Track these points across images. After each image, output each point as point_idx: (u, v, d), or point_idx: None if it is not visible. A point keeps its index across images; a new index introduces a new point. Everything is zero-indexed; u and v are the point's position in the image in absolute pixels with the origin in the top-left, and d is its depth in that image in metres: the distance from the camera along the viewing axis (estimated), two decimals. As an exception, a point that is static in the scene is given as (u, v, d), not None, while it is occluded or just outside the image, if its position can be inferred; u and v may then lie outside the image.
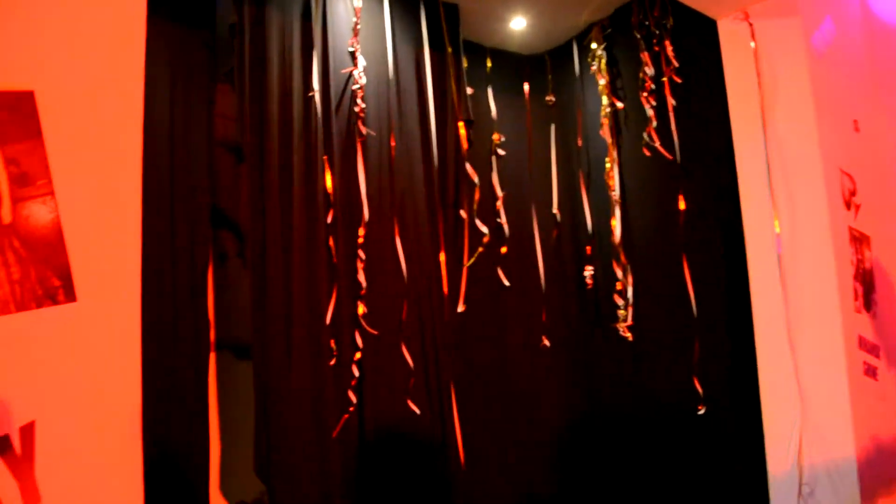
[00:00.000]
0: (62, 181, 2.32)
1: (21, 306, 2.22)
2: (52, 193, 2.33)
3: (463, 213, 3.84)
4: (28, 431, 2.22)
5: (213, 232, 3.41)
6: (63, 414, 2.27)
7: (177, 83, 3.28)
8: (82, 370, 2.32)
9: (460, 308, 3.71)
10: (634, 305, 3.90)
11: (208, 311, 3.29)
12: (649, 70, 3.88)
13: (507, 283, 4.00)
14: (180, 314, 3.10)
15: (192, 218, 3.22)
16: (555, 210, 4.34)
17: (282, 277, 3.23)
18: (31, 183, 2.30)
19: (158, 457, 2.79)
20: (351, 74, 3.51)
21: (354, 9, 3.59)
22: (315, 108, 3.37)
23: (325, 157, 3.35)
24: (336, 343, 3.25)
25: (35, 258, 2.27)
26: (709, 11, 3.66)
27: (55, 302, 2.29)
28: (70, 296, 2.32)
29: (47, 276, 2.28)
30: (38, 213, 2.30)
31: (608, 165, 4.07)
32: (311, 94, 3.38)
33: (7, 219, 2.26)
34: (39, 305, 2.26)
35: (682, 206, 3.69)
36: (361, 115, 3.48)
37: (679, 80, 3.79)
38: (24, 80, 2.28)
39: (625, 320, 3.88)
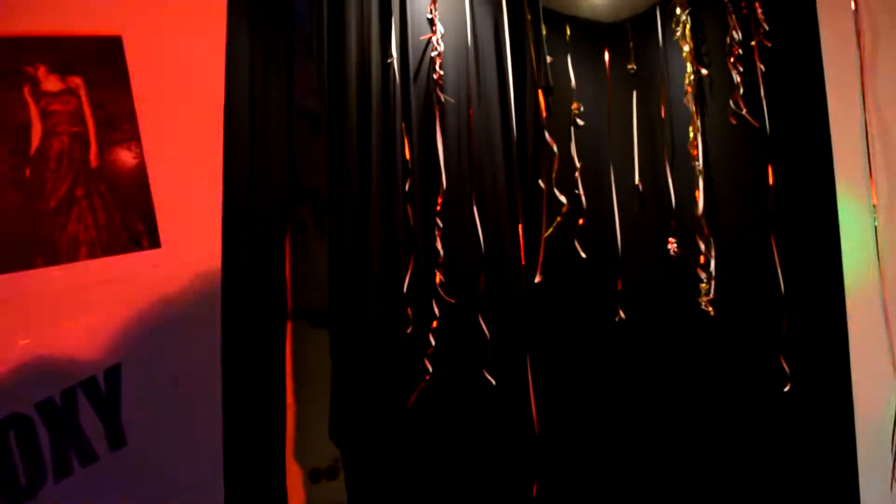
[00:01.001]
0: (148, 127, 2.35)
1: (107, 250, 2.27)
2: (138, 139, 2.37)
3: (541, 183, 3.77)
4: (114, 374, 2.27)
5: (291, 201, 3.44)
6: (148, 359, 2.31)
7: (256, 50, 3.30)
8: (166, 316, 2.36)
9: (537, 279, 3.66)
10: (717, 279, 3.78)
11: (286, 279, 3.33)
12: (737, 35, 3.71)
13: (584, 255, 3.92)
14: (258, 281, 3.14)
15: (271, 186, 3.25)
16: (637, 182, 4.22)
17: (359, 246, 3.25)
18: (117, 127, 2.35)
19: (235, 419, 2.84)
20: (430, 41, 3.47)
21: (433, -25, 3.54)
22: (394, 75, 3.36)
23: (403, 125, 3.34)
24: (413, 312, 3.26)
25: (121, 203, 2.31)
26: (803, -31, 3.48)
27: (140, 247, 2.34)
28: (154, 241, 2.36)
29: (132, 221, 2.32)
30: (124, 157, 2.34)
31: (692, 135, 3.93)
32: (389, 60, 3.36)
33: (94, 163, 2.31)
34: (124, 250, 2.31)
35: (770, 177, 3.54)
36: (440, 82, 3.45)
37: (769, 45, 3.61)
38: (112, 26, 2.31)
39: (707, 294, 3.76)
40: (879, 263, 3.22)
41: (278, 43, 3.41)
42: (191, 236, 2.46)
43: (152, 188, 2.38)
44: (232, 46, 3.13)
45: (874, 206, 3.26)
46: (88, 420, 2.23)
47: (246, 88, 3.21)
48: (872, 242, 3.25)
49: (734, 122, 3.68)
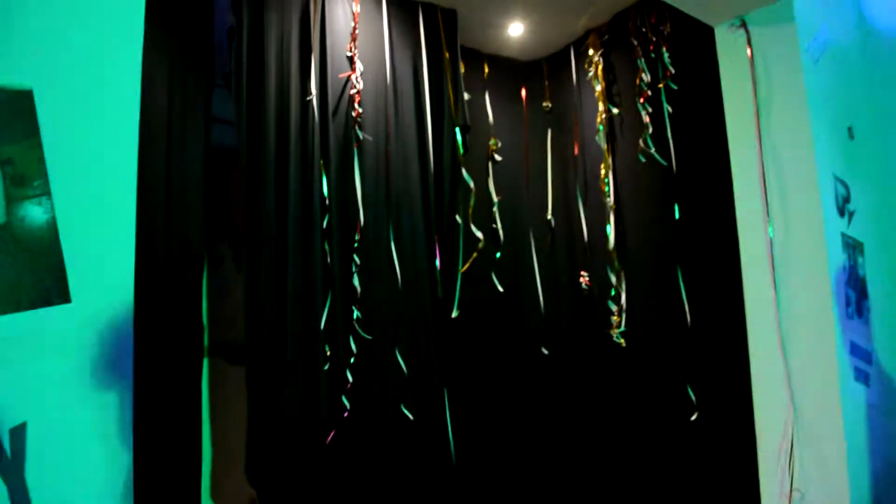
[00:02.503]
0: (59, 182, 2.33)
1: (16, 306, 2.22)
2: (48, 194, 2.33)
3: (458, 218, 3.85)
4: (19, 433, 2.22)
5: (208, 236, 3.42)
6: (56, 415, 2.27)
7: (174, 86, 3.30)
8: (75, 371, 2.32)
9: (454, 313, 3.73)
10: (628, 312, 3.92)
11: (202, 316, 3.30)
12: (646, 76, 3.90)
13: (500, 288, 4.01)
14: (174, 318, 3.11)
15: (188, 222, 3.23)
16: (549, 216, 4.35)
17: (276, 282, 3.25)
18: (27, 183, 2.31)
19: (149, 461, 2.80)
20: (349, 79, 3.53)
21: (353, 14, 3.61)
22: (313, 112, 3.39)
23: (321, 162, 3.38)
24: (330, 348, 3.27)
25: (30, 259, 2.27)
26: (706, 18, 3.67)
27: (50, 302, 2.30)
28: (64, 296, 2.33)
29: (42, 277, 2.28)
30: (34, 213, 2.30)
31: (603, 172, 4.08)
32: (308, 98, 3.40)
33: (2, 219, 2.27)
34: (34, 306, 2.27)
35: (676, 212, 3.71)
36: (359, 119, 3.50)
37: (675, 87, 3.80)
38: (23, 79, 2.29)
39: (618, 326, 3.90)
40: (776, 293, 3.40)
41: (198, 79, 3.41)
42: (102, 287, 2.43)
43: (63, 242, 2.34)
44: (150, 84, 3.13)
45: (771, 239, 3.45)
46: None
47: (164, 126, 3.20)
48: (770, 274, 3.44)
49: (643, 160, 3.85)
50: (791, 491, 3.26)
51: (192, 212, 3.27)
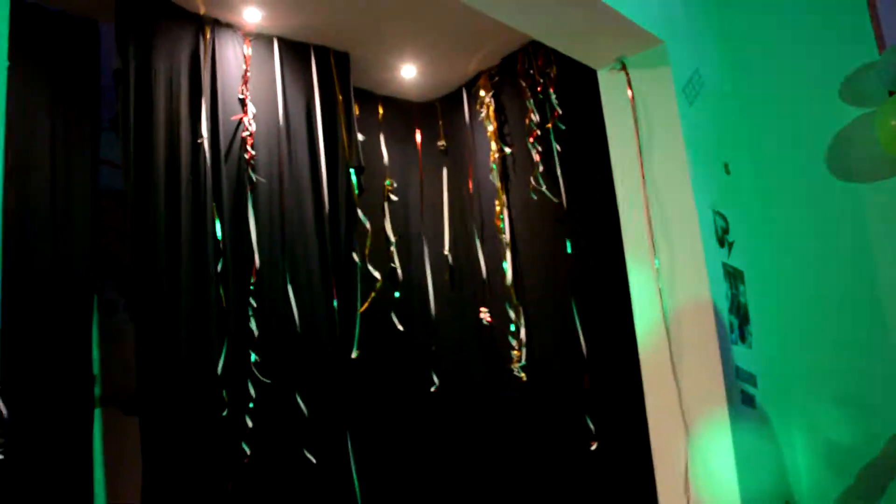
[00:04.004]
0: None
1: None
2: None
3: (355, 258, 3.85)
4: None
5: (97, 282, 3.31)
6: None
7: (57, 131, 3.20)
8: None
9: (354, 354, 3.71)
10: (528, 346, 3.99)
11: (91, 364, 3.17)
12: (535, 117, 4.03)
13: (400, 327, 4.02)
14: (59, 368, 2.98)
15: (74, 266, 3.12)
16: (446, 252, 4.39)
17: (170, 328, 3.16)
18: None
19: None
20: (241, 121, 3.51)
21: (244, 56, 3.60)
22: (204, 155, 3.35)
23: (214, 205, 3.32)
24: (228, 393, 3.19)
25: None
26: (589, 61, 3.83)
27: None
28: None
29: None
30: None
31: (498, 209, 4.18)
32: (199, 140, 3.35)
33: None
34: None
35: (569, 247, 3.82)
36: (251, 162, 3.48)
37: (563, 127, 3.94)
38: None
39: (518, 360, 3.95)
40: (665, 321, 3.54)
41: (82, 121, 3.31)
42: None
43: None
44: (31, 124, 3.02)
45: (657, 270, 3.59)
46: None
47: (47, 167, 3.11)
48: (658, 303, 3.58)
49: (535, 197, 3.96)
50: (689, 512, 3.36)
51: (79, 256, 3.16)
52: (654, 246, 3.62)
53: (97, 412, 3.31)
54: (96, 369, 3.32)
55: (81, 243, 3.20)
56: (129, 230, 3.22)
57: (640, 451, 3.50)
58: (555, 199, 3.88)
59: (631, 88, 3.79)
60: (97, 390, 3.35)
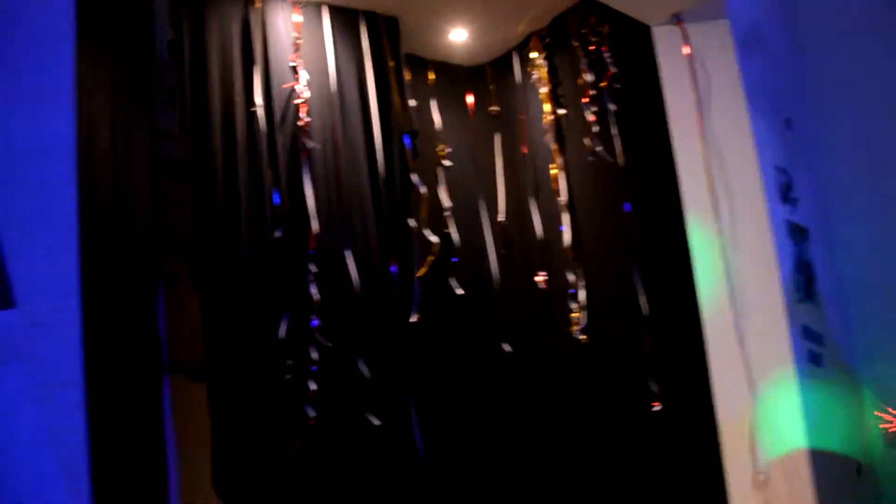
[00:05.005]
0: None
1: None
2: None
3: (412, 223, 3.85)
4: None
5: (161, 253, 3.36)
6: (8, 423, 2.24)
7: (117, 105, 3.23)
8: (24, 378, 2.28)
9: (413, 318, 3.71)
10: (587, 308, 3.94)
11: (160, 334, 3.23)
12: (588, 77, 3.95)
13: (459, 291, 4.00)
14: (128, 338, 3.04)
15: (138, 238, 3.17)
16: (502, 218, 4.35)
17: (233, 295, 3.21)
18: None
19: (111, 480, 2.72)
20: (293, 89, 3.51)
21: (294, 24, 3.59)
22: (258, 123, 3.37)
23: (270, 172, 3.34)
24: (291, 358, 3.24)
25: None
26: (643, 17, 3.75)
27: None
28: (7, 302, 2.29)
29: None
30: None
31: (553, 172, 4.12)
32: (253, 109, 3.36)
33: None
34: None
35: (627, 207, 3.75)
36: (306, 128, 3.48)
37: (618, 86, 3.86)
38: None
39: (578, 323, 3.91)
40: (728, 280, 3.47)
41: (140, 95, 3.34)
42: (47, 295, 2.38)
43: (4, 248, 2.31)
44: (90, 101, 3.06)
45: (719, 228, 3.52)
46: None
47: (108, 142, 3.14)
48: (721, 261, 3.50)
49: (591, 158, 3.89)
50: (755, 474, 3.31)
51: (143, 229, 3.20)
52: (715, 204, 3.55)
53: (166, 379, 3.37)
54: (163, 338, 3.37)
55: (144, 216, 3.23)
56: (189, 201, 3.26)
57: (704, 413, 3.45)
58: (611, 160, 3.81)
59: (687, 43, 3.70)
60: (165, 358, 3.42)
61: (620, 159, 3.79)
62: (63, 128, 2.52)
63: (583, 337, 3.91)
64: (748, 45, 3.57)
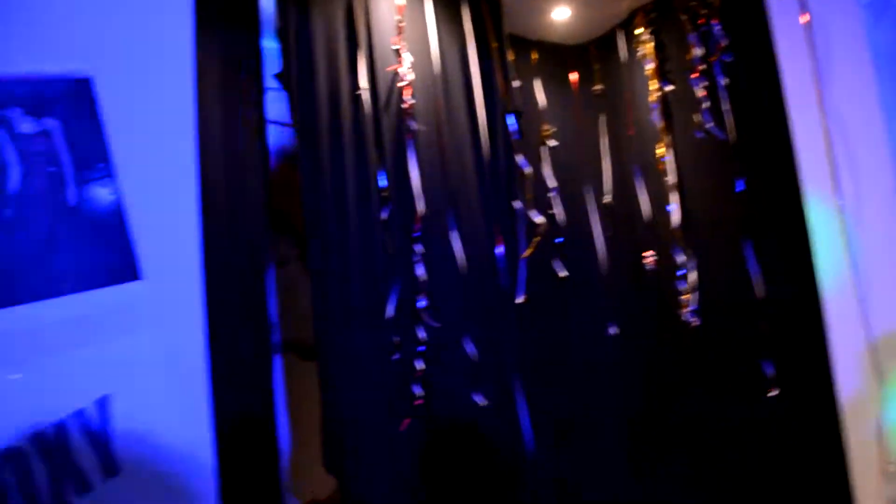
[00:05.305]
0: (122, 164, 2.42)
1: (90, 284, 2.31)
2: (112, 175, 2.43)
3: (517, 205, 3.82)
4: (103, 405, 2.31)
5: (272, 235, 3.45)
6: (135, 390, 2.35)
7: (227, 92, 3.32)
8: (151, 346, 2.39)
9: (520, 299, 3.69)
10: (697, 290, 3.82)
11: (271, 313, 3.32)
12: (697, 51, 3.81)
13: (564, 273, 3.95)
14: (242, 318, 3.13)
15: (250, 220, 3.25)
16: (608, 199, 4.26)
17: (341, 277, 3.28)
18: (92, 166, 2.41)
19: (229, 454, 2.82)
20: (397, 72, 3.53)
21: (397, 7, 3.61)
22: (364, 106, 3.40)
23: (376, 154, 3.38)
24: (398, 338, 3.28)
25: (100, 238, 2.36)
26: (755, -16, 3.59)
27: (122, 280, 2.38)
28: (134, 274, 2.40)
29: (112, 255, 2.37)
30: (101, 194, 2.41)
31: (660, 150, 4.00)
32: (358, 92, 3.41)
33: (73, 200, 2.37)
34: (107, 284, 2.35)
35: (740, 186, 3.61)
36: (410, 111, 3.49)
37: (729, 59, 3.71)
38: (82, 67, 2.38)
39: (688, 304, 3.80)
40: (850, 261, 3.29)
41: (248, 81, 3.43)
42: (170, 267, 2.49)
43: (129, 223, 2.41)
44: (202, 83, 3.15)
45: (840, 207, 3.33)
46: (81, 450, 2.25)
47: (219, 126, 3.22)
48: (843, 242, 3.32)
49: (701, 135, 3.76)
50: (883, 464, 3.13)
51: (253, 213, 3.28)
52: (836, 180, 3.37)
53: (278, 359, 3.47)
54: (274, 319, 3.47)
55: (255, 200, 3.31)
56: (297, 184, 3.33)
57: (825, 400, 3.28)
58: (723, 136, 3.66)
59: (805, 11, 3.51)
60: (276, 339, 3.52)
61: (732, 135, 3.65)
62: (183, 111, 2.62)
63: (692, 320, 3.80)
64: (875, 10, 3.36)
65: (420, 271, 3.36)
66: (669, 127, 4.00)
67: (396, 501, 3.24)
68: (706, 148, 3.79)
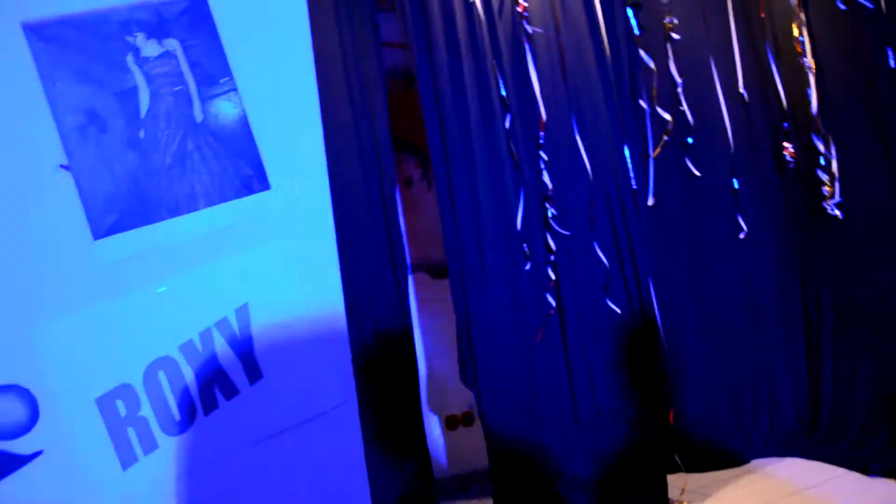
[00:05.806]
0: (243, 79, 2.52)
1: (223, 197, 2.43)
2: (235, 89, 2.52)
3: (642, 103, 3.66)
4: (243, 313, 2.44)
5: (395, 156, 3.46)
6: (273, 296, 2.47)
7: (342, 14, 3.30)
8: (285, 254, 2.53)
9: (650, 201, 3.58)
10: (841, 180, 3.58)
11: (402, 232, 3.36)
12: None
13: (696, 172, 3.77)
14: (372, 233, 3.19)
15: (373, 140, 3.26)
16: (739, 86, 3.96)
17: (467, 191, 3.27)
18: (216, 81, 2.50)
19: (368, 368, 2.93)
20: (506, -25, 3.40)
21: None
22: (478, 14, 3.32)
23: (494, 63, 3.31)
24: (529, 247, 3.27)
25: (228, 151, 2.47)
26: None
27: (252, 190, 2.48)
28: (264, 184, 2.50)
29: (242, 167, 2.48)
30: (226, 109, 2.51)
31: (796, 30, 3.69)
32: (471, 1, 3.31)
33: (199, 117, 2.46)
34: (238, 195, 2.48)
35: (891, 60, 3.30)
36: (525, 14, 3.37)
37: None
38: None
39: (832, 196, 3.57)
40: None
41: (361, 3, 3.40)
42: (297, 175, 2.60)
43: (255, 134, 2.49)
44: (318, 15, 3.15)
45: None
46: (226, 357, 2.43)
47: (336, 46, 3.22)
48: None
49: (843, 7, 3.44)
50: None
51: (378, 135, 3.28)
52: None
53: (410, 278, 3.53)
54: (405, 238, 3.52)
55: (380, 122, 3.30)
56: (418, 103, 3.31)
57: None
58: (869, 6, 3.34)
59: None
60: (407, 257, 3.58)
61: (882, 3, 3.32)
62: (299, 28, 2.65)
63: (837, 212, 3.58)
64: None
65: (546, 179, 3.31)
66: (804, 2, 3.67)
67: (535, 414, 3.28)
68: (849, 21, 3.48)
